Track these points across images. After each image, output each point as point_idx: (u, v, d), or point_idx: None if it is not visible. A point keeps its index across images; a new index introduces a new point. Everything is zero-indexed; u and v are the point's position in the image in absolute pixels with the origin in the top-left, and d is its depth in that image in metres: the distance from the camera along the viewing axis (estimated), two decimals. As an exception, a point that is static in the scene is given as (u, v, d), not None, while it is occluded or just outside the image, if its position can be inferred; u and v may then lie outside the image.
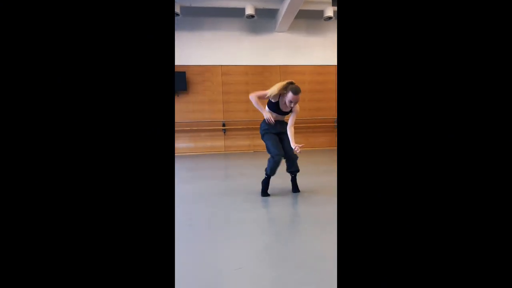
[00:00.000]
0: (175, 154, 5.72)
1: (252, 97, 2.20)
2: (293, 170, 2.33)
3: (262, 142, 7.14)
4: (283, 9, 5.13)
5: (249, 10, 5.19)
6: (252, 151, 5.97)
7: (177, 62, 5.66)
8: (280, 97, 2.16)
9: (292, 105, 2.14)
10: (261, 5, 5.25)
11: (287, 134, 2.27)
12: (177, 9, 5.04)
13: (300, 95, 2.09)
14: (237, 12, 5.47)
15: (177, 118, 5.76)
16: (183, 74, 5.60)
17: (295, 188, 2.38)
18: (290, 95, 2.07)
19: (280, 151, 2.21)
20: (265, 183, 2.30)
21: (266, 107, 2.26)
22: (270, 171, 2.25)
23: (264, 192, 2.29)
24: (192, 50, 5.74)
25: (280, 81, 6.03)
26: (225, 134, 5.98)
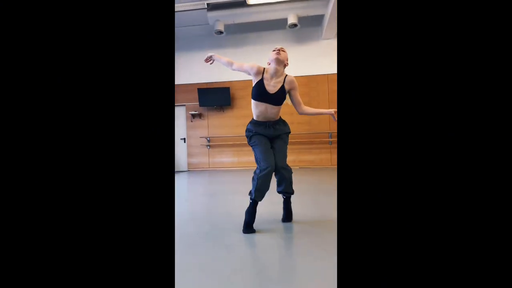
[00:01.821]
0: (219, 168, 5.76)
1: (229, 60, 1.71)
2: (285, 190, 1.65)
3: (308, 158, 6.59)
4: (327, 14, 4.77)
5: (292, 19, 5.00)
6: (297, 167, 5.58)
7: (221, 78, 5.81)
8: (264, 73, 1.60)
9: (276, 52, 1.57)
10: (304, 13, 5.00)
11: (280, 140, 1.65)
12: (221, 28, 5.21)
13: (286, 55, 1.58)
14: (280, 24, 5.35)
15: (222, 133, 5.84)
16: (227, 90, 5.69)
17: (287, 215, 1.70)
18: (271, 55, 1.57)
19: (271, 161, 1.53)
20: (249, 214, 1.56)
21: (252, 101, 1.66)
22: (256, 193, 1.54)
23: (247, 228, 1.55)
24: (236, 65, 5.83)
25: (328, 91, 5.59)
26: (268, 149, 5.77)
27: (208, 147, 5.94)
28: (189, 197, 2.99)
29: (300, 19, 5.08)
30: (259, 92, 1.59)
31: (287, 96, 1.69)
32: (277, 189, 1.70)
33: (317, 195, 2.69)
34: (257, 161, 1.59)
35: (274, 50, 1.59)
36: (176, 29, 5.86)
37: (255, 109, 1.64)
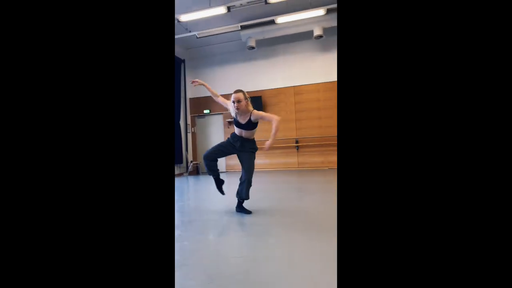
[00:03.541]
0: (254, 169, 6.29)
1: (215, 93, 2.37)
2: (240, 196, 2.29)
3: (336, 159, 6.81)
4: (350, 23, 5.09)
5: (317, 31, 5.41)
6: (326, 167, 5.89)
7: (253, 88, 6.40)
8: (236, 112, 2.22)
9: (236, 106, 2.12)
10: (328, 24, 5.38)
11: (245, 154, 2.25)
12: (253, 44, 5.82)
13: (240, 94, 2.13)
14: (307, 35, 5.79)
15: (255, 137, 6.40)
16: (259, 98, 6.26)
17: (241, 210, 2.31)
18: (232, 96, 2.15)
19: (210, 155, 2.26)
20: (216, 182, 2.40)
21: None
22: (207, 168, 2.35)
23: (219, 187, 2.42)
24: (266, 76, 6.39)
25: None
26: (298, 151, 6.18)
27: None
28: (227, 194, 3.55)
29: (325, 30, 5.47)
30: (235, 123, 2.28)
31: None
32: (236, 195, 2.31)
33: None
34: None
35: (233, 102, 2.16)
36: (211, 46, 6.61)
37: (235, 128, 2.33)
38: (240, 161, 2.32)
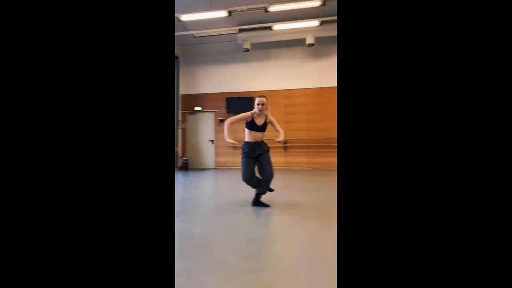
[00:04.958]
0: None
1: (226, 122, 2.56)
2: (259, 192, 2.58)
3: (320, 160, 7.39)
4: (341, 35, 5.45)
5: (310, 40, 5.74)
6: (310, 168, 6.25)
7: (245, 89, 6.64)
8: (253, 115, 2.55)
9: (260, 108, 2.47)
10: (321, 34, 5.73)
11: (265, 154, 2.58)
12: (248, 46, 6.05)
13: (264, 99, 2.51)
14: (299, 42, 6.10)
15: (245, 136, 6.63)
16: (251, 99, 6.50)
17: (259, 202, 2.59)
18: (256, 100, 2.51)
19: (249, 176, 2.56)
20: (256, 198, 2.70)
21: (246, 129, 2.63)
22: (253, 187, 2.65)
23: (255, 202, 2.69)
24: (259, 78, 6.64)
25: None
26: (285, 151, 6.49)
27: (233, 148, 6.75)
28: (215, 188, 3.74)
29: (318, 38, 5.81)
30: (253, 126, 2.57)
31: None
32: (256, 189, 2.56)
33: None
34: (242, 171, 2.62)
35: (258, 104, 2.51)
36: (206, 45, 6.74)
37: (249, 134, 2.61)
38: (261, 162, 2.54)
